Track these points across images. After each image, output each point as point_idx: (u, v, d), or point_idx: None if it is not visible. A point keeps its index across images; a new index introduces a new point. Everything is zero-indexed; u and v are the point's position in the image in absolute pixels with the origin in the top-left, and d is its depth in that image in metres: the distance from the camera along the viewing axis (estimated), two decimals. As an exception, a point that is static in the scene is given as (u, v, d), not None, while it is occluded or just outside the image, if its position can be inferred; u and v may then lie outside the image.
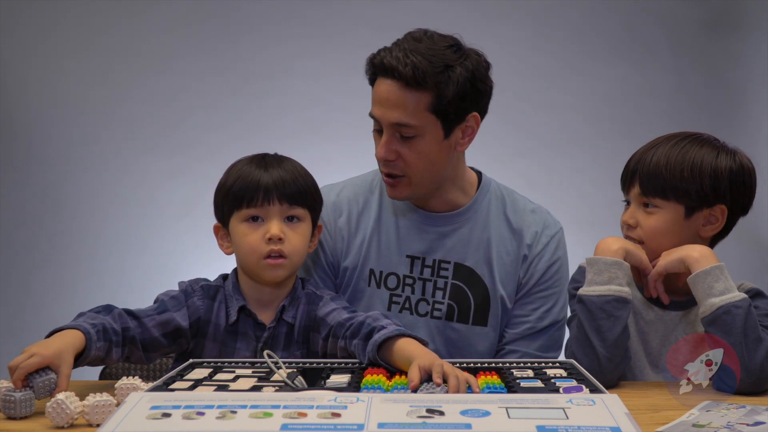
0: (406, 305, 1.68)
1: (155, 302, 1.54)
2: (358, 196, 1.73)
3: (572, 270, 1.67)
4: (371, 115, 1.58)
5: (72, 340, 1.31)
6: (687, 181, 1.51)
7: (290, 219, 1.54)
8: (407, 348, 1.31)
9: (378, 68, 1.55)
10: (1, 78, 3.42)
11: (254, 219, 1.53)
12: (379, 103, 1.55)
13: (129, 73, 3.46)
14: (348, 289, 1.70)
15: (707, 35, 3.59)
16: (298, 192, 1.54)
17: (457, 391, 1.15)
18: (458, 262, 1.67)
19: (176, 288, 1.58)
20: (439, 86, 1.51)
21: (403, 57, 1.51)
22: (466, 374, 1.19)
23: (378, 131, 1.60)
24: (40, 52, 3.44)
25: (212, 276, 1.64)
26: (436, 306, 1.67)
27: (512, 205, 1.72)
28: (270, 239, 1.50)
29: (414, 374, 1.19)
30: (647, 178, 1.54)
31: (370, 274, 1.69)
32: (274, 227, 1.51)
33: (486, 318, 1.67)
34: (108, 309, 1.44)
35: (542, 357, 1.66)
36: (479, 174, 1.74)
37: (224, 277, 1.62)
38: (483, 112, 1.62)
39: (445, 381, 1.17)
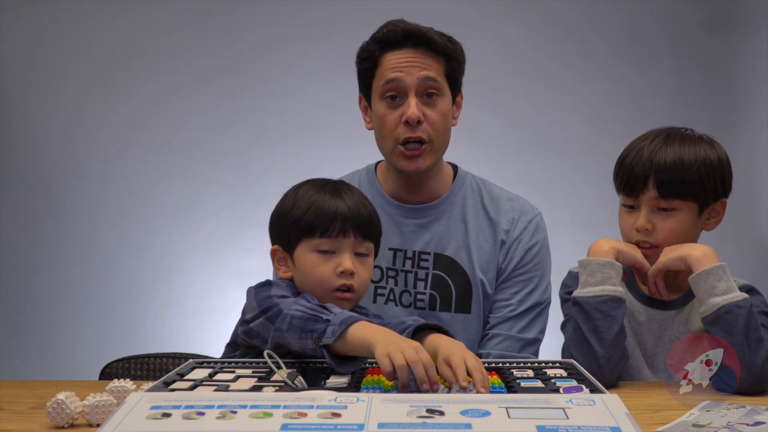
0: (391, 297, 1.71)
1: None
2: None
3: (566, 269, 1.68)
4: (388, 84, 1.61)
5: None
6: (703, 178, 1.53)
7: (359, 255, 1.51)
8: (434, 341, 1.25)
9: (396, 38, 1.61)
10: (1, 78, 3.42)
11: (326, 252, 1.49)
12: (400, 69, 1.61)
13: (129, 74, 3.46)
14: None
15: (707, 35, 3.59)
16: (370, 225, 1.51)
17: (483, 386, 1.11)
18: (438, 252, 1.71)
19: None
20: (449, 55, 1.64)
21: (421, 26, 1.62)
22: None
23: (392, 102, 1.62)
24: (40, 52, 3.44)
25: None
26: (419, 297, 1.71)
27: (489, 195, 1.76)
28: (342, 272, 1.47)
29: (447, 373, 1.15)
30: (666, 180, 1.53)
31: None
32: (347, 261, 1.47)
33: (469, 305, 1.70)
34: None
35: (524, 339, 1.68)
36: (455, 168, 1.79)
37: None
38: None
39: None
